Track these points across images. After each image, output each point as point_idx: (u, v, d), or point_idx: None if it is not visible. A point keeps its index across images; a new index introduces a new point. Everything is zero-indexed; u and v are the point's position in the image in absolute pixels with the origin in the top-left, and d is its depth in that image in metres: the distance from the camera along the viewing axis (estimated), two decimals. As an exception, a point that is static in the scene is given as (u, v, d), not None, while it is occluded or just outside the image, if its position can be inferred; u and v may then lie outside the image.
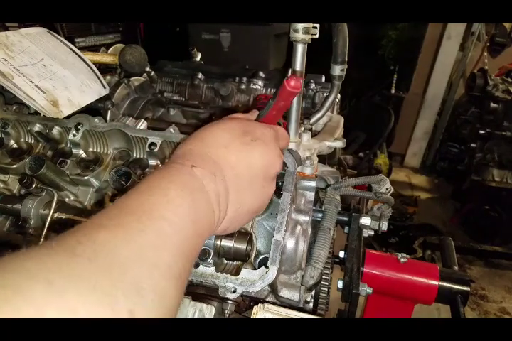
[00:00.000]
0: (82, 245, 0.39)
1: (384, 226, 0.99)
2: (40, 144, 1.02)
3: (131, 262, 0.40)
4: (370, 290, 0.93)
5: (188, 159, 0.57)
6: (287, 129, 0.98)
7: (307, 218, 0.88)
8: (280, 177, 0.89)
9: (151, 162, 0.92)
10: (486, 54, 4.22)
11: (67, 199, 0.93)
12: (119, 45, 1.40)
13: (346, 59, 1.10)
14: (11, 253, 0.37)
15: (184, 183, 0.52)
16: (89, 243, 0.40)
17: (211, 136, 0.62)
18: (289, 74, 0.69)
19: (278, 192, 0.88)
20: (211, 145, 0.60)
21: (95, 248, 0.39)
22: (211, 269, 0.76)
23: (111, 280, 0.38)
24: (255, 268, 0.79)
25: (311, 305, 0.89)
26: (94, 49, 1.49)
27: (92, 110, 1.18)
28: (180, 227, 0.48)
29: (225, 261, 0.84)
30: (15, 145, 1.03)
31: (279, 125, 1.03)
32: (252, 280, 0.74)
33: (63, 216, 0.86)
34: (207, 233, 0.56)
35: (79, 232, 0.42)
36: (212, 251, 0.76)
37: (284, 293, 0.83)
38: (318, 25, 0.87)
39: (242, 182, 0.61)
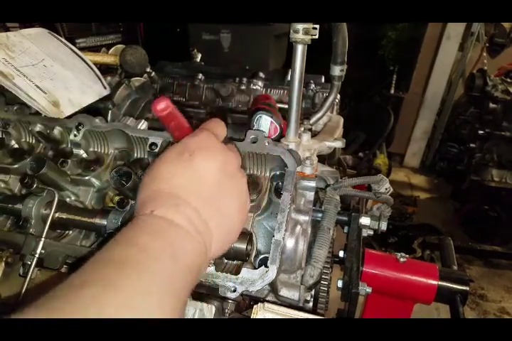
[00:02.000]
0: (70, 303, 0.41)
1: (383, 226, 0.99)
2: (41, 144, 1.03)
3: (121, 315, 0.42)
4: (369, 290, 0.94)
5: (147, 206, 0.57)
6: (287, 129, 0.98)
7: (307, 218, 0.88)
8: (280, 177, 0.90)
9: (152, 162, 0.92)
10: (485, 54, 4.22)
11: (68, 199, 0.94)
12: (120, 46, 1.40)
13: (346, 59, 1.11)
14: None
15: (154, 231, 0.52)
16: (78, 300, 0.41)
17: (156, 172, 0.62)
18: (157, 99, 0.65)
19: (278, 192, 0.89)
20: (160, 181, 0.60)
21: (84, 306, 0.41)
22: (211, 268, 0.77)
23: None
24: (255, 268, 0.80)
25: (310, 304, 0.90)
26: (94, 49, 1.50)
27: (93, 110, 1.18)
28: (164, 271, 0.48)
29: (225, 261, 0.84)
30: (16, 146, 1.03)
31: (281, 128, 1.04)
32: (252, 279, 0.75)
33: (64, 216, 0.86)
34: (198, 263, 0.56)
35: (65, 290, 0.43)
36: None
37: (284, 292, 0.83)
38: (318, 26, 0.87)
39: (208, 196, 0.60)
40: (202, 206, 0.58)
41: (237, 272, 0.77)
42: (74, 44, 2.53)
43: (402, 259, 1.11)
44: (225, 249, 0.65)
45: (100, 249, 0.49)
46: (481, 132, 3.57)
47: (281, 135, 1.04)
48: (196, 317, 0.78)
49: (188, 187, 0.59)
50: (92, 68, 1.24)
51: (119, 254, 0.48)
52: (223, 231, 0.62)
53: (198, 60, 1.99)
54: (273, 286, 0.82)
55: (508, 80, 3.62)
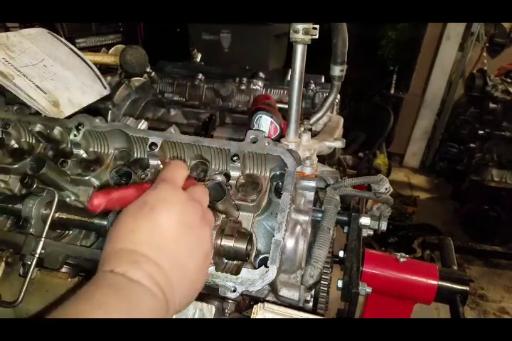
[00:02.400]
0: None
1: (383, 226, 1.00)
2: (41, 144, 1.03)
3: None
4: (369, 290, 0.94)
5: (108, 264, 0.57)
6: (287, 129, 0.98)
7: (307, 218, 0.88)
8: (280, 177, 0.90)
9: (152, 162, 0.92)
10: (485, 54, 4.22)
11: (68, 199, 0.94)
12: (120, 46, 1.41)
13: (346, 59, 1.11)
14: None
15: (113, 289, 0.53)
16: None
17: (117, 229, 0.62)
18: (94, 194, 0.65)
19: (278, 192, 0.89)
20: (120, 238, 0.60)
21: None
22: (211, 268, 0.77)
23: None
24: (255, 268, 0.80)
25: (310, 304, 0.90)
26: (94, 49, 1.50)
27: (93, 110, 1.18)
28: None
29: (226, 261, 0.84)
30: (16, 146, 1.03)
31: (281, 128, 1.04)
32: (252, 279, 0.75)
33: (64, 216, 0.86)
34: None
35: None
36: (212, 251, 0.76)
37: (284, 292, 0.83)
38: (318, 26, 0.87)
39: (168, 249, 0.60)
40: (163, 260, 0.58)
41: (237, 272, 0.77)
42: (74, 44, 2.53)
43: (402, 259, 1.11)
44: (190, 300, 0.64)
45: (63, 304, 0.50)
46: (481, 132, 3.57)
47: (281, 135, 1.04)
48: (196, 317, 0.78)
49: (149, 243, 0.59)
50: (92, 68, 1.24)
51: (76, 311, 0.49)
52: (186, 283, 0.62)
53: (198, 60, 1.99)
54: (273, 286, 0.82)
55: (508, 80, 3.62)
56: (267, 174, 0.90)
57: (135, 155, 0.96)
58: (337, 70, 1.12)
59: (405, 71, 4.58)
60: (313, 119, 1.21)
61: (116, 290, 0.53)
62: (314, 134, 1.23)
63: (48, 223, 0.83)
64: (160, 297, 0.56)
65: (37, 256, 0.81)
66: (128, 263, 0.56)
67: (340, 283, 0.97)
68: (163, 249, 0.60)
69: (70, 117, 0.99)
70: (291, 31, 0.87)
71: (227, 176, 0.89)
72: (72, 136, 0.94)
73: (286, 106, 0.99)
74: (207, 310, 0.78)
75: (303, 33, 0.86)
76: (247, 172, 0.90)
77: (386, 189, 1.00)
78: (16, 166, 0.97)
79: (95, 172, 0.94)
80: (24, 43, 1.13)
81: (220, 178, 0.82)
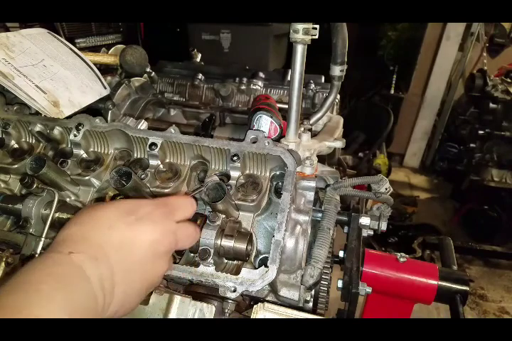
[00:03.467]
0: None
1: (383, 226, 1.00)
2: (41, 144, 1.03)
3: None
4: (369, 290, 0.94)
5: (68, 245, 0.56)
6: (287, 129, 0.98)
7: (307, 218, 0.88)
8: (280, 177, 0.90)
9: (152, 162, 0.92)
10: (485, 54, 4.22)
11: (68, 199, 0.94)
12: (120, 46, 1.40)
13: (346, 59, 1.11)
14: None
15: (60, 274, 0.51)
16: None
17: (94, 217, 0.61)
18: None
19: (278, 192, 0.89)
20: (93, 227, 0.59)
21: None
22: (211, 268, 0.77)
23: None
24: (255, 268, 0.80)
25: (310, 304, 0.90)
26: (94, 49, 1.50)
27: (93, 110, 1.18)
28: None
29: (226, 261, 0.84)
30: (16, 146, 1.03)
31: (281, 128, 1.04)
32: (252, 279, 0.75)
33: (64, 216, 0.86)
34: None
35: None
36: (212, 251, 0.76)
37: (284, 292, 0.83)
38: (317, 26, 0.87)
39: (129, 263, 0.60)
40: (118, 270, 0.58)
41: (237, 272, 0.77)
42: (74, 44, 2.53)
43: (402, 259, 1.11)
44: (120, 314, 0.63)
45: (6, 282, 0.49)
46: (481, 132, 3.57)
47: (281, 135, 1.04)
48: (196, 317, 0.78)
49: (117, 248, 0.59)
50: (92, 68, 1.24)
51: (15, 299, 0.48)
52: (125, 299, 0.61)
53: (198, 60, 1.99)
54: (273, 286, 0.82)
55: (508, 80, 3.62)
56: (267, 174, 0.90)
57: (135, 155, 0.96)
58: (337, 70, 1.12)
59: (405, 71, 4.58)
60: (313, 119, 1.21)
61: (64, 282, 0.51)
62: (314, 134, 1.23)
63: (48, 223, 0.83)
64: (99, 301, 0.55)
65: (37, 256, 0.81)
66: (89, 256, 0.55)
67: (340, 283, 0.97)
68: (125, 261, 0.59)
69: (70, 117, 0.99)
70: (291, 31, 0.87)
71: (227, 176, 0.89)
72: (72, 136, 0.94)
73: (286, 106, 0.99)
74: (207, 310, 0.78)
75: (303, 33, 0.86)
76: (247, 172, 0.90)
77: (386, 189, 1.00)
78: (16, 166, 0.97)
79: (95, 173, 0.94)
80: (24, 43, 1.13)
81: (215, 178, 0.82)
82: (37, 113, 1.06)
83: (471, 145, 3.67)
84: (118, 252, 0.58)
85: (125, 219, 0.61)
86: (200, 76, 1.62)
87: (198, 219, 0.79)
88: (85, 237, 0.58)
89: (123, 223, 0.61)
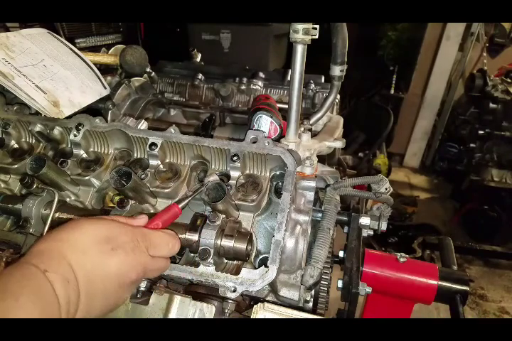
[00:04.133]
0: None
1: (383, 226, 1.00)
2: (41, 144, 1.03)
3: None
4: (369, 290, 0.94)
5: (43, 261, 0.58)
6: (287, 129, 0.98)
7: (307, 218, 0.88)
8: (280, 177, 0.90)
9: (152, 162, 0.92)
10: (485, 54, 4.22)
11: (68, 199, 0.94)
12: (120, 46, 1.41)
13: (346, 59, 1.11)
14: None
15: (36, 289, 0.54)
16: None
17: (72, 238, 0.62)
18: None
19: (278, 192, 0.89)
20: (69, 247, 0.61)
21: None
22: (211, 268, 0.77)
23: None
24: (255, 268, 0.80)
25: (310, 304, 0.90)
26: (94, 49, 1.50)
27: (93, 110, 1.18)
28: None
29: (226, 261, 0.84)
30: (16, 146, 1.03)
31: (281, 128, 1.04)
32: (252, 279, 0.75)
33: (64, 216, 0.86)
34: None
35: None
36: (212, 251, 0.76)
37: (284, 292, 0.83)
38: (317, 26, 0.87)
39: (95, 289, 0.62)
40: (83, 296, 0.60)
41: (237, 272, 0.77)
42: (74, 44, 2.53)
43: (402, 259, 1.11)
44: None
45: None
46: (481, 132, 3.57)
47: (281, 135, 1.04)
48: (196, 317, 0.78)
49: (87, 275, 0.61)
50: (92, 68, 1.24)
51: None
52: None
53: (198, 60, 1.99)
54: (273, 286, 0.82)
55: (508, 80, 3.62)
56: (267, 174, 0.90)
57: (135, 155, 0.96)
58: (337, 70, 1.12)
59: (405, 71, 4.58)
60: (313, 119, 1.21)
61: (38, 296, 0.53)
62: (314, 134, 1.23)
63: (48, 223, 0.83)
64: (63, 312, 0.56)
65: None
66: (61, 277, 0.57)
67: (340, 283, 0.97)
68: (91, 288, 0.61)
69: (70, 117, 0.99)
70: (291, 31, 0.87)
71: (227, 176, 0.89)
72: (72, 136, 0.94)
73: (286, 106, 0.99)
74: (207, 310, 0.78)
75: (303, 33, 0.86)
76: (247, 172, 0.90)
77: (386, 189, 1.00)
78: (16, 166, 0.97)
79: (95, 172, 0.94)
80: (24, 43, 1.13)
81: (213, 178, 0.82)
82: (37, 113, 1.06)
83: (471, 145, 3.67)
84: (86, 278, 0.61)
85: (101, 246, 0.63)
86: (200, 76, 1.62)
87: (198, 219, 0.79)
88: (61, 256, 0.60)
89: (97, 251, 0.62)
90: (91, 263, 0.61)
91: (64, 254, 0.60)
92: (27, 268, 0.57)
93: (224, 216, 0.81)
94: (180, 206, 0.77)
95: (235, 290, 0.74)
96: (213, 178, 0.81)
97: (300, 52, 0.89)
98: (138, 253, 0.66)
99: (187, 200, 0.78)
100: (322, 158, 1.26)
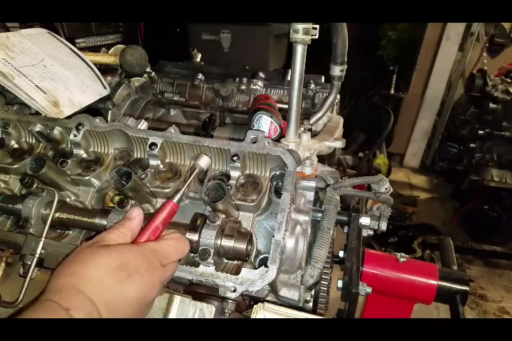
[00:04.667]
0: None
1: (383, 226, 1.00)
2: (41, 144, 1.03)
3: None
4: (369, 290, 0.94)
5: (63, 298, 0.59)
6: (287, 129, 0.98)
7: (307, 218, 0.88)
8: (280, 177, 0.90)
9: (152, 162, 0.92)
10: (485, 54, 4.22)
11: (68, 199, 0.94)
12: (120, 46, 1.41)
13: (346, 59, 1.11)
14: None
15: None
16: None
17: (86, 272, 0.63)
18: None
19: (278, 192, 0.89)
20: (85, 282, 0.62)
21: None
22: (211, 268, 0.77)
23: None
24: (255, 268, 0.80)
25: (310, 304, 0.90)
26: (94, 49, 1.50)
27: (93, 110, 1.18)
28: None
29: (226, 261, 0.84)
30: (16, 146, 1.03)
31: (281, 128, 1.04)
32: (252, 279, 0.75)
33: (64, 216, 0.86)
34: None
35: None
36: (212, 251, 0.76)
37: (284, 292, 0.83)
38: (317, 26, 0.87)
39: (118, 315, 0.63)
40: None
41: (237, 272, 0.77)
42: (74, 44, 2.53)
43: (402, 259, 1.11)
44: None
45: None
46: (481, 132, 3.57)
47: (281, 135, 1.04)
48: (196, 317, 0.78)
49: (108, 304, 0.62)
50: (92, 68, 1.24)
51: None
52: None
53: (198, 60, 1.99)
54: (273, 286, 0.82)
55: (508, 80, 3.62)
56: (267, 174, 0.90)
57: (135, 155, 0.96)
58: (337, 70, 1.12)
59: (405, 71, 4.58)
60: (313, 119, 1.21)
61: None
62: (314, 134, 1.23)
63: (48, 223, 0.83)
64: None
65: (37, 256, 0.81)
66: (85, 314, 0.58)
67: (340, 283, 0.97)
68: (114, 312, 0.62)
69: (70, 117, 0.99)
70: (291, 31, 0.87)
71: (227, 176, 0.89)
72: (72, 136, 0.94)
73: (286, 106, 0.99)
74: (207, 310, 0.78)
75: (303, 33, 0.86)
76: (247, 172, 0.90)
77: (386, 189, 1.00)
78: (16, 166, 0.97)
79: (95, 172, 0.94)
80: (24, 43, 1.13)
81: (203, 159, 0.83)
82: (37, 113, 1.06)
83: (471, 145, 3.67)
84: (108, 308, 0.62)
85: (116, 275, 0.64)
86: (200, 76, 1.62)
87: (198, 219, 0.79)
88: (79, 292, 0.61)
89: (114, 281, 0.63)
90: (109, 293, 0.62)
91: (81, 289, 0.61)
92: (49, 306, 0.58)
93: (224, 216, 0.81)
94: (175, 201, 0.76)
95: (235, 290, 0.74)
96: (203, 159, 0.82)
97: (300, 52, 0.89)
98: (153, 271, 0.68)
99: (180, 193, 0.78)
100: (322, 158, 1.26)
